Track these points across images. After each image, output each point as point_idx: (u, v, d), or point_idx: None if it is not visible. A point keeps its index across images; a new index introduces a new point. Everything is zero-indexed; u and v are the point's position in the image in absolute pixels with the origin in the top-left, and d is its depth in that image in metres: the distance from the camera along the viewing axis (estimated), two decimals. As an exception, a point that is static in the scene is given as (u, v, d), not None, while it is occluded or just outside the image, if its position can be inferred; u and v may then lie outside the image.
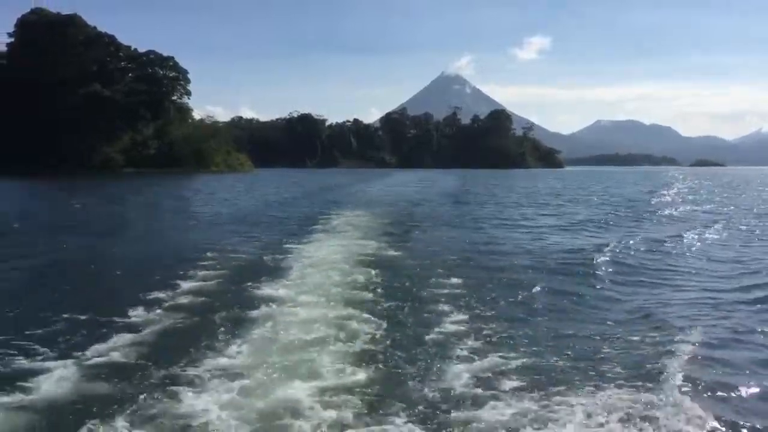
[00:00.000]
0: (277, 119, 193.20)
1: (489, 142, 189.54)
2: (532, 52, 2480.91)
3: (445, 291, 11.54)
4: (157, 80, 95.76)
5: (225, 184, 62.26)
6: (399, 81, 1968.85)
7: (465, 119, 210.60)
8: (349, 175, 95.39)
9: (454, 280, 12.50)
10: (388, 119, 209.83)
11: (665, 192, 51.76)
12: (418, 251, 16.61)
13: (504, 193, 50.18)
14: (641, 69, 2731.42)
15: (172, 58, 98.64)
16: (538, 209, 32.87)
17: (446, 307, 10.27)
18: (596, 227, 23.76)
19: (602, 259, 15.38)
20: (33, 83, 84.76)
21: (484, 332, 8.90)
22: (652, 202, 38.68)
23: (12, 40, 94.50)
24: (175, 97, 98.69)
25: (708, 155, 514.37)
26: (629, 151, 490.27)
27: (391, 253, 16.08)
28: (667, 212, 31.00)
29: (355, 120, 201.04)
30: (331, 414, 6.12)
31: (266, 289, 11.40)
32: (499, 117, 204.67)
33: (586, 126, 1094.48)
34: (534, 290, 11.75)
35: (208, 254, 15.38)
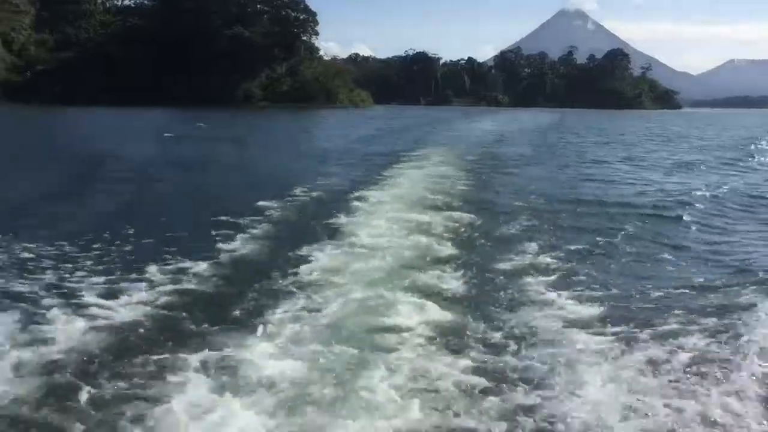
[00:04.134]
0: (392, 57, 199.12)
1: (604, 82, 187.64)
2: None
3: (522, 233, 11.62)
4: (290, 22, 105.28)
5: (346, 118, 70.67)
6: (516, 17, 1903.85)
7: (585, 57, 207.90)
8: (459, 112, 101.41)
9: (534, 221, 12.55)
10: (502, 58, 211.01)
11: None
12: (500, 189, 17.41)
13: (597, 134, 51.12)
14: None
15: (303, 1, 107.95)
16: (626, 151, 33.56)
17: (523, 249, 10.27)
18: (684, 171, 23.71)
19: (688, 206, 15.07)
20: (184, 25, 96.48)
21: (564, 277, 8.82)
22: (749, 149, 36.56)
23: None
24: (305, 38, 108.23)
25: None
26: (764, 94, 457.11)
27: (474, 191, 16.53)
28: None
29: (469, 59, 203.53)
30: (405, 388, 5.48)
31: (341, 234, 11.16)
32: (616, 57, 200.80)
33: (718, 65, 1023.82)
34: (616, 236, 11.60)
35: (293, 190, 15.77)
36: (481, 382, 5.63)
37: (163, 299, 7.70)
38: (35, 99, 79.78)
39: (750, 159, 29.87)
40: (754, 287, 8.45)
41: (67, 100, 78.57)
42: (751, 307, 7.58)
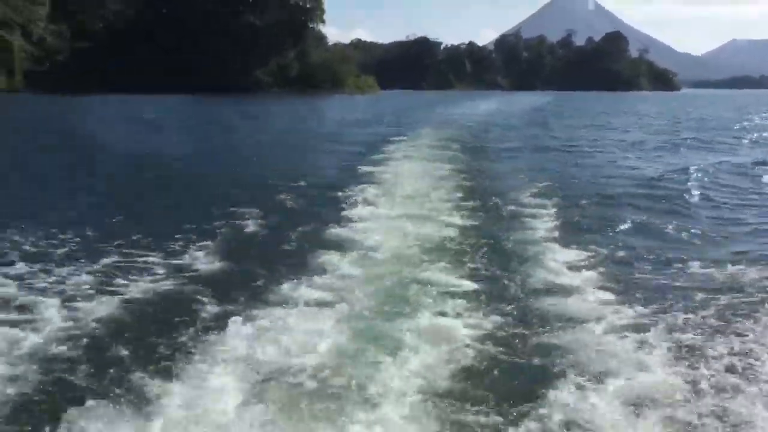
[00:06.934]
0: (394, 42, 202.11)
1: (602, 65, 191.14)
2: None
3: (528, 215, 11.54)
4: (298, 10, 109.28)
5: (350, 103, 74.55)
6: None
7: (583, 39, 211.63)
8: (458, 96, 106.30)
9: (540, 204, 12.51)
10: (502, 42, 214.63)
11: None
12: (494, 176, 17.29)
13: (584, 117, 51.61)
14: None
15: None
16: (611, 133, 34.02)
17: (532, 231, 10.20)
18: (669, 152, 23.70)
19: (683, 187, 15.01)
20: (191, 13, 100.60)
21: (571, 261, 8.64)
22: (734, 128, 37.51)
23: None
24: (312, 25, 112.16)
25: None
26: (766, 74, 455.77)
27: (470, 178, 16.34)
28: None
29: (470, 43, 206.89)
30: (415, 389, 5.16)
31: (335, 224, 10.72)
32: (614, 39, 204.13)
33: (720, 45, 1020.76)
34: (613, 221, 11.23)
35: (280, 180, 15.14)
36: (497, 375, 5.46)
37: (162, 287, 7.60)
38: (55, 87, 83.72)
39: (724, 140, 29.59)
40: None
41: (84, 89, 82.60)
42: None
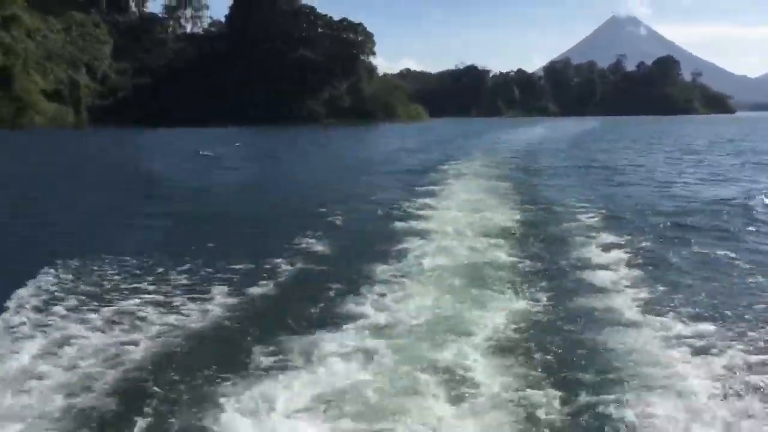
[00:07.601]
0: (443, 71, 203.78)
1: (654, 89, 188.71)
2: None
3: (586, 235, 11.74)
4: (349, 44, 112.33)
5: (401, 132, 75.75)
6: (568, 26, 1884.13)
7: (635, 64, 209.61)
8: (507, 123, 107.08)
9: (597, 221, 12.90)
10: (551, 68, 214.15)
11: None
12: (543, 187, 18.80)
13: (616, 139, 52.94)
14: None
15: (361, 24, 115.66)
16: (654, 154, 35.16)
17: (590, 253, 10.36)
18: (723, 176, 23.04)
19: (720, 198, 15.20)
20: (248, 49, 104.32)
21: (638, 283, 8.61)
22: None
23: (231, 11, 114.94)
24: (363, 57, 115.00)
25: None
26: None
27: (521, 189, 17.86)
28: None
29: (519, 70, 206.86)
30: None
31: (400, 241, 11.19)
32: (666, 63, 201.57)
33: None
34: (672, 249, 10.92)
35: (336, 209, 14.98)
36: (554, 397, 5.53)
37: (224, 313, 7.81)
38: (117, 121, 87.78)
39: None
40: None
41: (145, 122, 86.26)
42: None
